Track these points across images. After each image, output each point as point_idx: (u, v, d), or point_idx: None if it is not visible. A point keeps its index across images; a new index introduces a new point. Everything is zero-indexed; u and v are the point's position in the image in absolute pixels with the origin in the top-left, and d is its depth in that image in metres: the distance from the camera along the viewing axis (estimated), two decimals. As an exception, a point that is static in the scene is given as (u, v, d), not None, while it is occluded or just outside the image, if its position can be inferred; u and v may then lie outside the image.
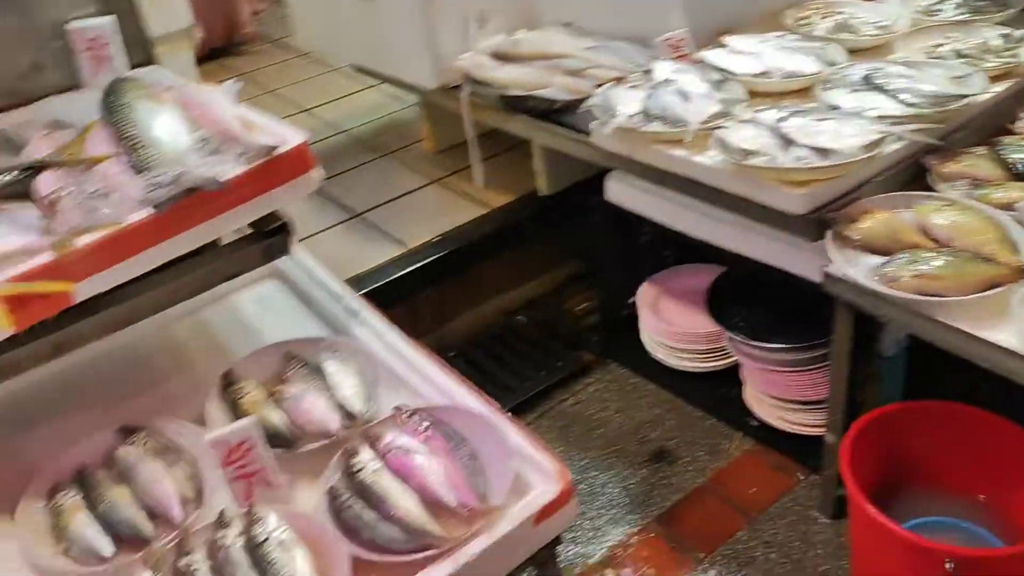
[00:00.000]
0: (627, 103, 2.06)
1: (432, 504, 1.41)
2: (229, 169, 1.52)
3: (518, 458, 1.46)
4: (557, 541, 1.48)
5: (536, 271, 3.00)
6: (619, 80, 2.22)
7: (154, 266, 1.52)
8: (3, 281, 1.35)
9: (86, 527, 1.44)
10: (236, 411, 1.61)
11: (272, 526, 1.38)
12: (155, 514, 1.46)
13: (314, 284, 1.94)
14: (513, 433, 1.51)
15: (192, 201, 1.50)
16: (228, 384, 1.66)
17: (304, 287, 1.96)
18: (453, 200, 3.02)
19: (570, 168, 2.83)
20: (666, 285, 2.65)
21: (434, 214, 2.97)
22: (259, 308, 1.94)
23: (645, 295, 2.63)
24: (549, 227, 2.93)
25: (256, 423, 1.48)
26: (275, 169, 1.57)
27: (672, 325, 2.53)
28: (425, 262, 2.75)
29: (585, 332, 2.85)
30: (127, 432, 1.59)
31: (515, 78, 2.36)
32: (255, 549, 1.35)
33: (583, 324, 2.89)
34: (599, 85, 2.22)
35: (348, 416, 1.59)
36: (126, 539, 1.43)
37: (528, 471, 1.46)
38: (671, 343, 2.51)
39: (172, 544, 1.39)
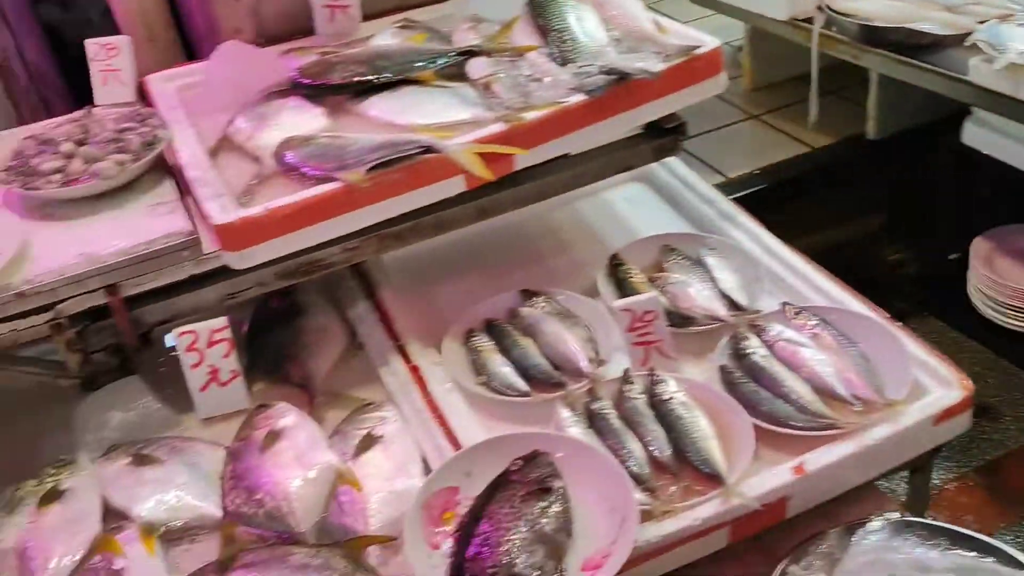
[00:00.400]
0: (1018, 40, 2.00)
1: (823, 394, 1.48)
2: (654, 64, 1.65)
3: (914, 363, 1.50)
4: (938, 450, 1.51)
5: (848, 216, 2.97)
6: (1004, 18, 2.14)
7: (583, 147, 1.68)
8: (472, 141, 1.56)
9: (502, 365, 1.63)
10: (623, 289, 1.76)
11: (674, 387, 1.51)
12: (557, 366, 1.63)
13: (683, 187, 2.04)
14: (907, 339, 1.54)
15: (619, 91, 1.65)
16: (617, 264, 1.81)
17: (672, 190, 2.06)
18: (771, 137, 3.04)
19: (905, 112, 2.77)
20: (1004, 242, 2.55)
21: (751, 149, 3.01)
22: (628, 206, 2.07)
23: (979, 250, 2.54)
24: (871, 172, 2.89)
25: (658, 299, 1.62)
26: (691, 69, 1.69)
27: (1012, 283, 2.43)
28: (744, 193, 2.79)
29: (898, 282, 2.81)
30: (527, 295, 1.77)
31: (881, 11, 2.33)
32: (658, 405, 1.49)
33: (897, 274, 2.84)
34: (981, 23, 2.16)
35: (733, 306, 1.69)
36: (534, 383, 1.61)
37: (923, 376, 1.49)
38: (1007, 301, 2.42)
39: (584, 390, 1.55)
